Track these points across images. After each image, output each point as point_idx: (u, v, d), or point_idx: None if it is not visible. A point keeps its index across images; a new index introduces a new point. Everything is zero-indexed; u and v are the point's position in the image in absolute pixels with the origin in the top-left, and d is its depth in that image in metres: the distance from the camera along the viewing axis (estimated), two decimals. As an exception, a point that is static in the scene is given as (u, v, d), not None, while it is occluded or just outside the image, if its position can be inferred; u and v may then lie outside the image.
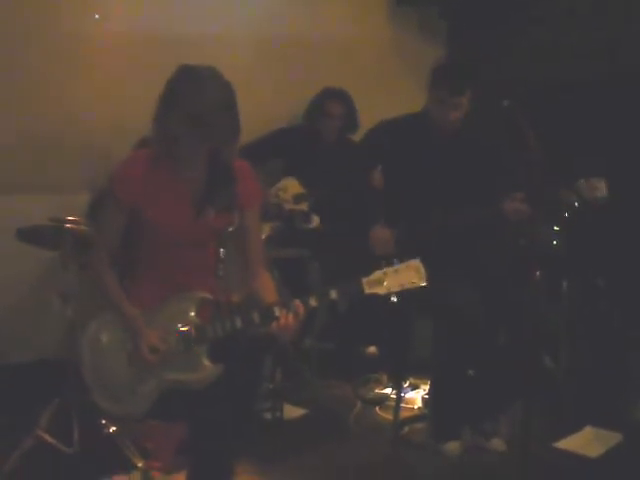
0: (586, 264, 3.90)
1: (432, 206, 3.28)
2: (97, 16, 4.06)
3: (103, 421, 3.11)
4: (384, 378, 4.13)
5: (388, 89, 4.88)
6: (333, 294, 2.40)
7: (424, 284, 2.41)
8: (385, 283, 2.39)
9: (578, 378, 3.76)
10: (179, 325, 2.46)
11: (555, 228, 3.33)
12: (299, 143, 4.30)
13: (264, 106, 4.29)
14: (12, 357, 3.75)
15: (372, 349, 4.16)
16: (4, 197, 3.80)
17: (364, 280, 2.39)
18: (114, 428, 3.11)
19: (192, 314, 2.48)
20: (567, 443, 3.41)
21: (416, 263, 2.41)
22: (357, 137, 4.25)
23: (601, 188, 3.03)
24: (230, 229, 2.55)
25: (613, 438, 3.42)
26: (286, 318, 2.37)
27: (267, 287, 2.57)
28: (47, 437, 3.07)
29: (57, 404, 3.13)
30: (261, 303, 2.48)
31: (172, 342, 2.46)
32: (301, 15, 4.63)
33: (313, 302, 2.41)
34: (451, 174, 3.31)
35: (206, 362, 2.44)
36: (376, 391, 4.08)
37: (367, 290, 2.39)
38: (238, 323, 2.41)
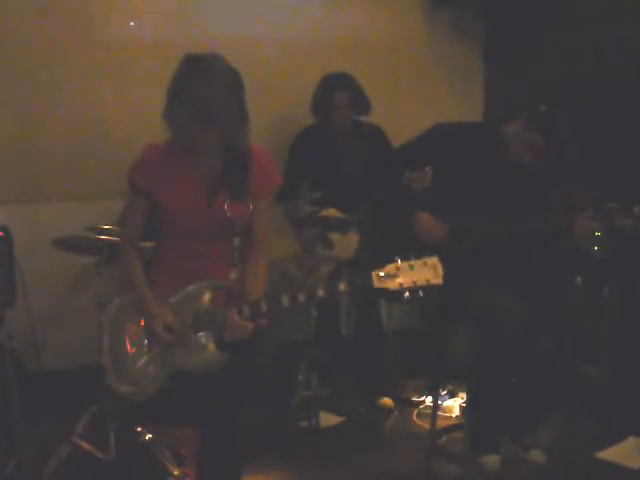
0: (628, 270, 3.81)
1: (482, 216, 3.21)
2: (132, 23, 4.08)
3: (139, 428, 3.12)
4: (422, 385, 4.09)
5: (423, 91, 4.83)
6: (342, 286, 2.36)
7: (439, 283, 2.28)
8: (398, 278, 2.29)
9: (621, 386, 3.67)
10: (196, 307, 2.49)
11: (597, 234, 3.25)
12: (315, 146, 4.12)
13: (295, 108, 4.25)
14: (49, 364, 3.78)
15: (386, 400, 4.02)
16: (40, 205, 3.85)
17: (375, 273, 2.31)
18: (150, 435, 3.11)
19: (207, 298, 2.50)
20: (609, 454, 3.33)
21: (434, 261, 2.29)
22: (371, 119, 4.16)
23: None
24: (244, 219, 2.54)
25: (657, 449, 3.35)
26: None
27: (259, 275, 2.56)
28: (84, 444, 3.09)
29: (93, 411, 3.14)
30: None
31: (184, 324, 2.49)
32: (335, 16, 4.59)
33: (321, 293, 2.38)
34: (507, 190, 3.22)
35: (212, 347, 2.47)
36: (414, 399, 4.04)
37: (377, 284, 2.30)
38: (246, 311, 2.40)
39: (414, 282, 2.29)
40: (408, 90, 4.77)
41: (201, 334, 2.48)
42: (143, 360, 2.56)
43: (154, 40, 4.08)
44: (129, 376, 2.57)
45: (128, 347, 2.59)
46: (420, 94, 4.80)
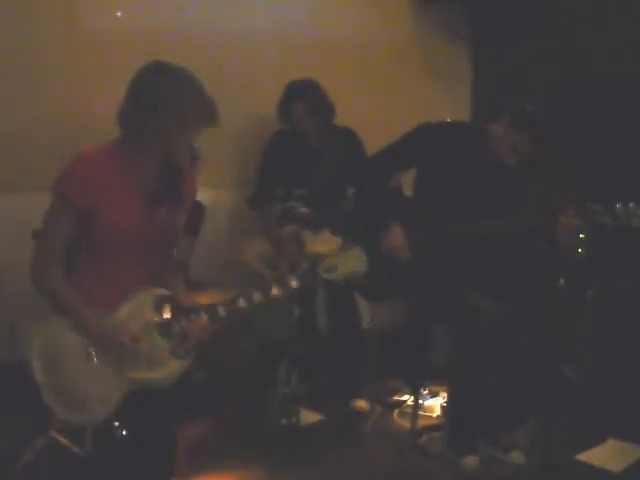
0: (610, 273, 3.81)
1: (466, 215, 3.19)
2: (119, 13, 4.04)
3: (116, 423, 3.08)
4: (403, 385, 4.08)
5: (410, 90, 4.81)
6: (294, 283, 2.51)
7: (365, 269, 2.63)
8: (338, 269, 2.58)
9: (600, 389, 3.67)
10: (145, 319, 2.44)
11: (580, 236, 3.25)
12: (287, 149, 4.12)
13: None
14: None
15: (361, 403, 3.94)
16: (22, 195, 3.80)
17: (320, 267, 2.56)
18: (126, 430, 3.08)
19: (153, 309, 2.46)
20: (588, 456, 3.32)
21: (358, 250, 2.63)
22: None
23: (638, 215, 2.97)
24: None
25: (636, 451, 3.34)
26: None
27: (178, 284, 2.64)
28: (60, 437, 3.06)
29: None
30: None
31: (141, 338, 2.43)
32: (323, 14, 4.57)
33: (275, 292, 2.49)
34: (491, 189, 3.22)
35: (171, 358, 2.44)
36: (395, 398, 4.03)
37: (324, 276, 2.56)
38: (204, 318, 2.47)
39: (351, 269, 2.64)
40: (395, 89, 4.75)
41: (158, 346, 2.43)
42: (92, 383, 2.40)
43: (140, 31, 4.04)
44: (77, 403, 2.40)
45: (75, 374, 2.40)
46: (407, 93, 4.78)
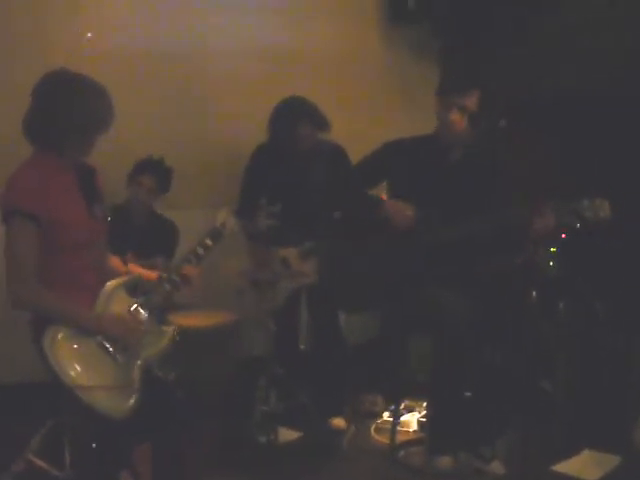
0: (583, 285, 3.88)
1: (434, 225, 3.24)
2: (89, 34, 4.03)
3: (95, 445, 3.05)
4: (379, 400, 4.09)
5: (378, 107, 4.86)
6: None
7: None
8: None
9: (576, 400, 3.72)
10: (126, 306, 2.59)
11: (552, 249, 3.30)
12: (273, 163, 4.04)
13: (247, 122, 4.20)
14: (5, 378, 3.69)
15: (338, 421, 3.88)
16: None
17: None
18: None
19: (127, 297, 2.61)
20: (564, 466, 3.37)
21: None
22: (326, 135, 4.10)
23: (605, 208, 3.01)
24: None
25: (611, 461, 3.39)
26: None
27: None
28: (38, 461, 3.01)
29: (49, 427, 3.07)
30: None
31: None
32: (291, 32, 4.62)
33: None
34: (454, 196, 3.27)
35: (163, 327, 2.69)
36: (372, 413, 4.03)
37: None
38: (167, 285, 2.68)
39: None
40: (363, 107, 4.80)
41: (147, 322, 2.62)
42: (122, 371, 2.51)
43: (116, 50, 4.07)
44: (109, 395, 2.46)
45: (96, 367, 2.48)
46: (376, 112, 4.82)
